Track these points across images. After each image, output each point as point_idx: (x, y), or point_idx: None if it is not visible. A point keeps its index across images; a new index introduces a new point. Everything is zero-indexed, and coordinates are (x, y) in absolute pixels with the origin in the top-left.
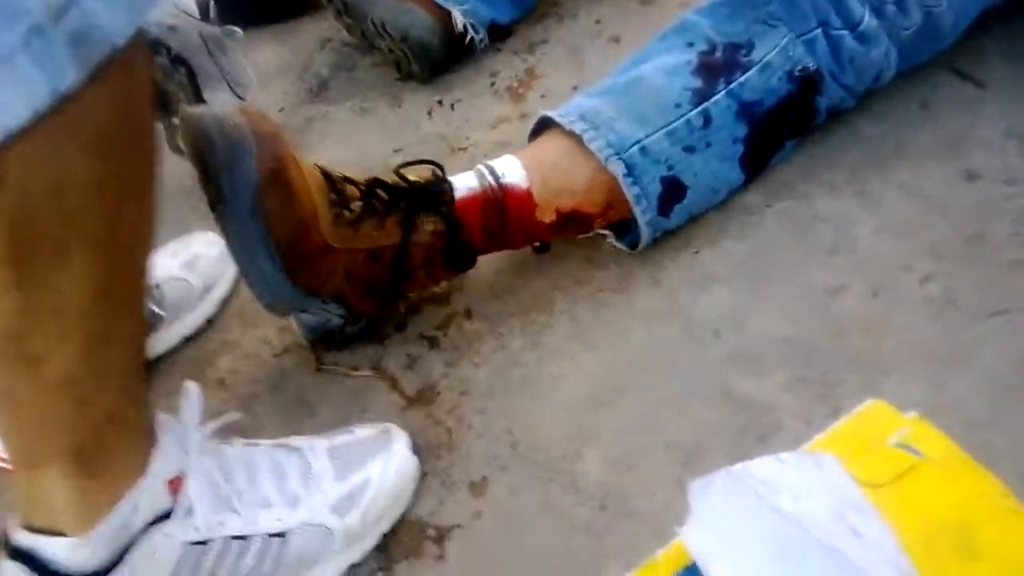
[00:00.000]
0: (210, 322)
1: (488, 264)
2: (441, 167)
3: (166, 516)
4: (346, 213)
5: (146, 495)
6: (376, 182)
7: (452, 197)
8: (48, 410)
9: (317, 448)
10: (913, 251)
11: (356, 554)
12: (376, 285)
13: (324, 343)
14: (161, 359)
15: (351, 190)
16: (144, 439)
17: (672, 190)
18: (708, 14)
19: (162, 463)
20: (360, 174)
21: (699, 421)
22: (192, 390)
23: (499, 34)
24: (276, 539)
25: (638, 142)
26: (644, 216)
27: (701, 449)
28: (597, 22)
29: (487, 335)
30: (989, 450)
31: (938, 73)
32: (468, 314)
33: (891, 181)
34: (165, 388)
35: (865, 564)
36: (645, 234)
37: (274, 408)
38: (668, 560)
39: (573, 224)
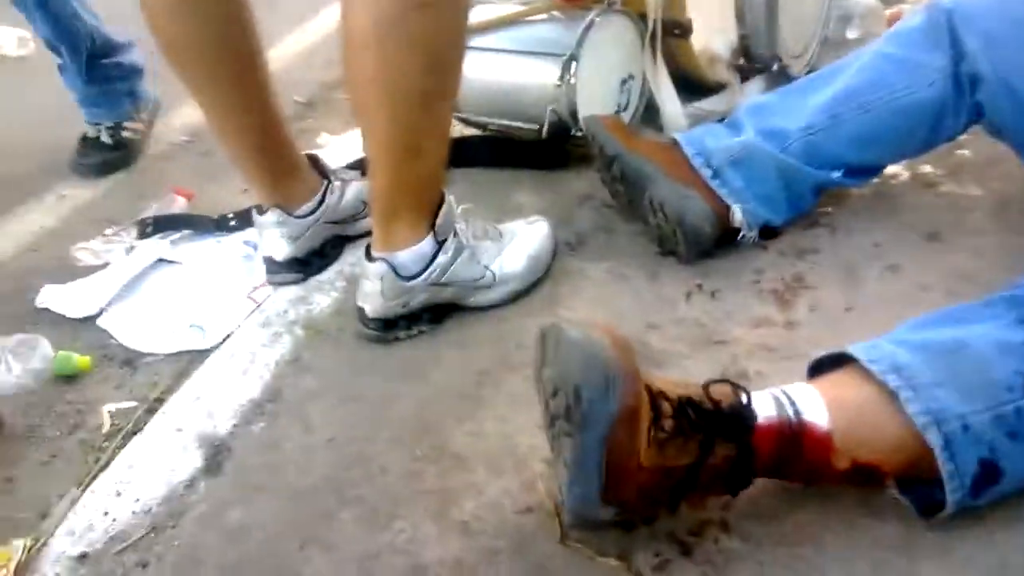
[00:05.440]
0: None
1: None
2: (747, 391)
3: None
4: (660, 433)
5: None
6: (688, 401)
7: (753, 426)
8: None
9: None
10: None
11: None
12: (657, 496)
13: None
14: (402, 487)
15: (665, 407)
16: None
17: (988, 473)
18: None
19: None
20: (668, 386)
21: None
22: None
23: (769, 234)
24: None
25: (962, 417)
26: (954, 495)
27: None
28: (876, 245)
29: (747, 558)
30: None
31: None
32: (724, 526)
33: None
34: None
35: None
36: (948, 510)
37: (514, 573)
38: None
39: (865, 477)
